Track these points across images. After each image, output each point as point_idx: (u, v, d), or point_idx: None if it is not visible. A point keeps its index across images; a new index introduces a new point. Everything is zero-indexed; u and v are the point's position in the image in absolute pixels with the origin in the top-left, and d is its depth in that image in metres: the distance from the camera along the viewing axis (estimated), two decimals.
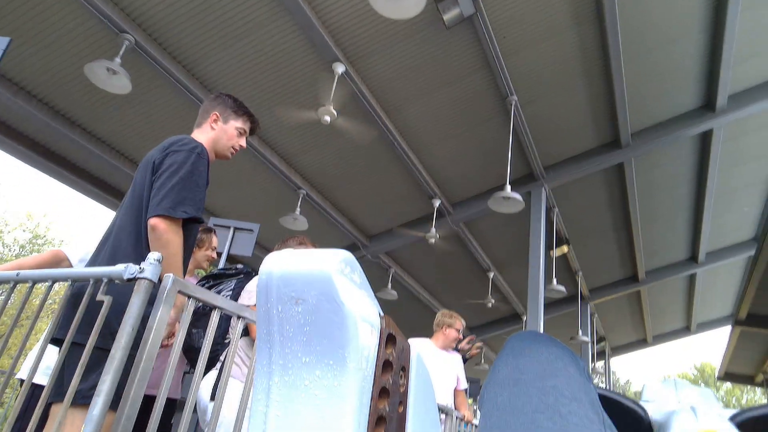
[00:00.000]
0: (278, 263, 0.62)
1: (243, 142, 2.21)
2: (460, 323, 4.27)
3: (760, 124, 7.89)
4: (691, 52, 6.40)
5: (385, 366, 0.60)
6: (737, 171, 8.90)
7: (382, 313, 0.64)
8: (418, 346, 3.30)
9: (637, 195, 8.53)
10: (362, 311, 0.59)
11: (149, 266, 1.53)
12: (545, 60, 6.14)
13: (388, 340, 0.62)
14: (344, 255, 0.61)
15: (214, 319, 1.80)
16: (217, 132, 2.13)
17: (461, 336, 4.41)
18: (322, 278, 0.58)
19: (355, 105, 6.14)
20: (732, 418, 0.62)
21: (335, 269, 0.58)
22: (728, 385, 28.67)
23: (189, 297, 1.67)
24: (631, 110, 6.82)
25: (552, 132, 7.26)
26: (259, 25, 5.21)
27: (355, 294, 0.60)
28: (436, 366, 4.02)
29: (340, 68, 5.56)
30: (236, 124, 2.17)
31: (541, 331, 6.99)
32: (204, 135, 2.12)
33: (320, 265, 0.59)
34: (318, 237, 8.53)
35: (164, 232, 1.77)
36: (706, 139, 7.74)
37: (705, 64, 6.57)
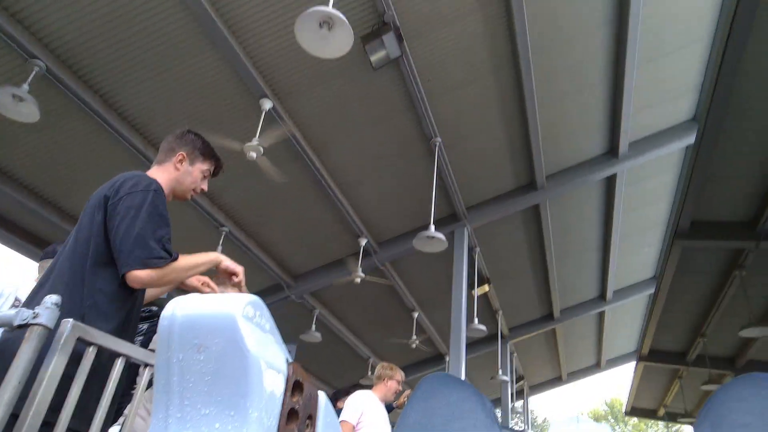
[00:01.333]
0: (182, 308, 0.58)
1: (205, 185, 2.11)
2: (400, 375, 4.37)
3: (657, 169, 8.69)
4: (596, 101, 6.99)
5: (290, 415, 0.58)
6: (638, 213, 9.68)
7: (290, 359, 0.61)
8: (368, 398, 3.23)
9: (552, 235, 9.03)
10: (268, 358, 0.57)
11: (45, 310, 1.39)
12: (467, 103, 6.46)
13: (294, 387, 0.60)
14: (251, 299, 0.58)
15: (118, 367, 1.67)
16: (182, 173, 2.02)
17: (401, 388, 4.47)
18: (227, 324, 0.55)
19: (282, 142, 6.10)
20: None
21: (242, 314, 0.56)
22: (635, 419, 30.24)
23: (90, 344, 1.53)
24: (546, 154, 7.29)
25: (474, 173, 7.58)
26: (184, 57, 5.11)
27: (261, 340, 0.58)
28: (383, 418, 4.07)
29: (267, 104, 5.54)
30: (202, 166, 2.07)
31: (463, 370, 7.10)
32: (165, 174, 2.00)
33: (226, 310, 0.56)
34: None
35: (151, 282, 1.71)
36: (611, 183, 8.40)
37: (608, 112, 7.18)
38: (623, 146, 7.54)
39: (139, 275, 1.68)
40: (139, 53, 4.98)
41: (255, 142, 5.27)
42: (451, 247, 7.30)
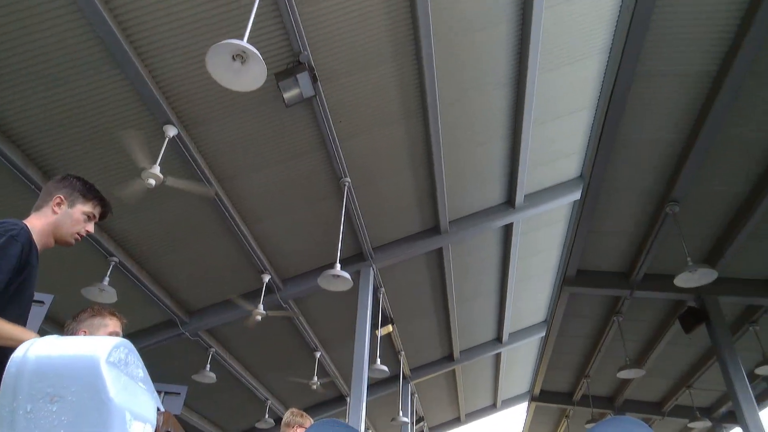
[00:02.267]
0: (36, 350, 0.51)
1: (90, 227, 2.02)
2: (310, 423, 4.17)
3: (549, 220, 9.39)
4: (496, 155, 7.47)
5: None
6: (532, 260, 10.33)
7: (162, 408, 0.56)
8: None
9: (454, 278, 9.34)
10: (135, 407, 0.51)
11: None
12: (377, 147, 6.63)
13: None
14: (120, 342, 0.53)
15: None
16: (60, 216, 1.92)
17: None
18: (88, 369, 0.49)
19: (185, 170, 5.85)
20: None
21: (106, 359, 0.51)
22: None
23: None
24: (450, 200, 7.62)
25: (382, 215, 7.72)
26: (81, 71, 4.77)
27: (129, 388, 0.52)
28: None
29: (171, 131, 5.31)
30: (84, 208, 1.98)
31: (364, 412, 6.99)
32: (42, 219, 1.90)
33: (88, 353, 0.50)
34: (129, 312, 7.60)
35: None
36: (508, 231, 8.93)
37: (507, 166, 7.70)
38: (519, 198, 8.09)
39: None
40: (28, 61, 4.59)
41: (156, 169, 5.00)
42: (356, 286, 7.29)
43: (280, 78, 5.10)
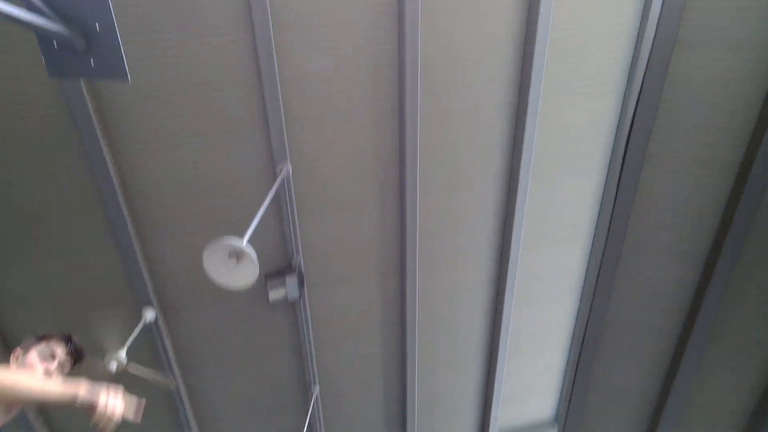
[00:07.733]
0: None
1: None
2: None
3: None
4: (470, 383, 7.29)
5: None
6: None
7: None
8: None
9: None
10: None
11: None
12: (353, 359, 6.50)
13: None
14: None
15: None
16: None
17: None
18: None
19: (151, 358, 5.63)
20: None
21: None
22: None
23: None
24: (419, 426, 7.18)
25: (345, 429, 7.19)
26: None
27: None
28: None
29: (150, 315, 5.26)
30: None
31: None
32: None
33: None
34: None
35: None
36: None
37: (481, 397, 7.46)
38: (493, 429, 7.67)
39: None
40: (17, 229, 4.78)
41: (122, 351, 4.83)
42: None
43: (269, 277, 5.28)
